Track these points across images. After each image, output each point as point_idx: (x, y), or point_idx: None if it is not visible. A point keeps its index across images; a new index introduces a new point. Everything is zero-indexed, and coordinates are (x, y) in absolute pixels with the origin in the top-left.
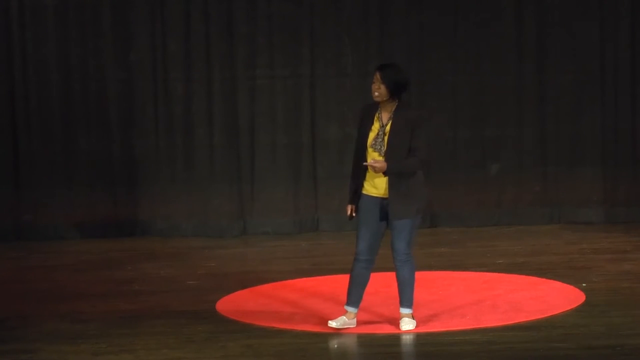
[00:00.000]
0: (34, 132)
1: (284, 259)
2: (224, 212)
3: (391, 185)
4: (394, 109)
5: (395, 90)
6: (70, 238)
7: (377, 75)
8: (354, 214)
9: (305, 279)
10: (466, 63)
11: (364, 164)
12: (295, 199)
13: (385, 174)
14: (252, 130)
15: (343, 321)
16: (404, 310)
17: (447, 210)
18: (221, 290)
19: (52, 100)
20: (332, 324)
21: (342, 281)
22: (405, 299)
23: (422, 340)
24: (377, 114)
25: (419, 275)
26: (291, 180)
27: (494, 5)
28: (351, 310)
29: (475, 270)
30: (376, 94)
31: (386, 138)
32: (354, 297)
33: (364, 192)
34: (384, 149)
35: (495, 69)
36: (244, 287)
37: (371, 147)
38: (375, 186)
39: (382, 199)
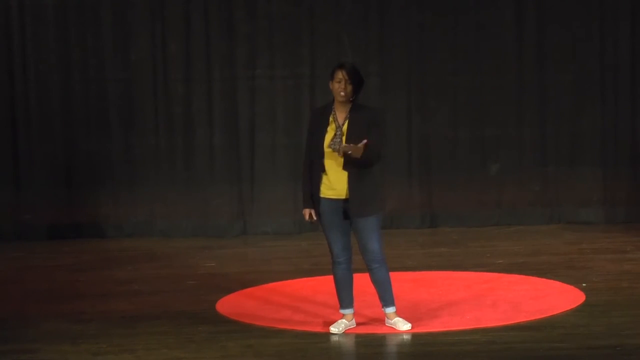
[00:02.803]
0: (34, 133)
1: (284, 259)
2: (224, 212)
3: (351, 185)
4: (349, 108)
5: (359, 90)
6: (70, 238)
7: (344, 74)
8: (314, 218)
9: (305, 279)
10: (466, 63)
11: (339, 147)
12: (295, 199)
13: (355, 159)
14: (252, 130)
15: (344, 325)
16: (391, 310)
17: (447, 210)
18: (221, 290)
19: (52, 100)
20: (334, 330)
21: None
22: (389, 298)
23: (422, 340)
24: (331, 115)
25: (419, 275)
26: (291, 180)
27: (494, 5)
28: (348, 312)
29: (475, 270)
30: (342, 94)
31: (344, 138)
32: (347, 299)
33: (321, 195)
34: (340, 149)
35: (495, 69)
36: (244, 287)
37: (329, 147)
38: (333, 187)
39: (342, 200)
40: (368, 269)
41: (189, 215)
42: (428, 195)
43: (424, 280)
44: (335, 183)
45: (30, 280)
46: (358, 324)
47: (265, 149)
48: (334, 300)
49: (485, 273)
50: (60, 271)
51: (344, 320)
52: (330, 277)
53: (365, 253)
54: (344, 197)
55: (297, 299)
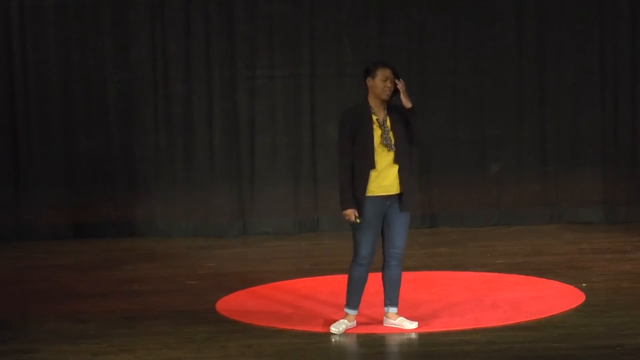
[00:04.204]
0: (34, 132)
1: (284, 259)
2: (224, 212)
3: (402, 178)
4: (385, 106)
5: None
6: (70, 238)
7: (390, 73)
8: (358, 218)
9: (305, 279)
10: (466, 63)
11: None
12: (295, 199)
13: (409, 109)
14: (252, 130)
15: (345, 325)
16: (394, 310)
17: (447, 210)
18: (221, 290)
19: (52, 101)
20: (334, 329)
21: (342, 281)
22: (395, 298)
23: (422, 340)
24: (371, 114)
25: (418, 275)
26: (291, 180)
27: (493, 5)
28: (353, 313)
29: (475, 270)
30: (389, 92)
31: (391, 133)
32: (357, 300)
33: (369, 194)
34: (392, 143)
35: (495, 69)
36: (244, 287)
37: (381, 145)
38: (383, 184)
39: (388, 197)
40: (386, 265)
41: (189, 215)
42: (428, 195)
43: (424, 280)
44: (385, 179)
45: (30, 280)
46: (358, 323)
47: (265, 149)
48: (334, 300)
49: (485, 273)
50: (60, 271)
51: (345, 320)
52: (331, 277)
53: (390, 248)
54: (393, 192)
55: (297, 299)
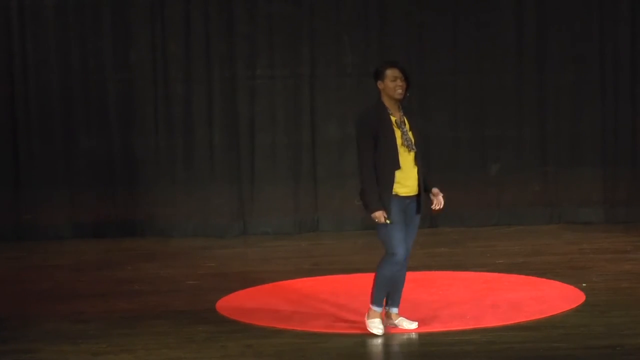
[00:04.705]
0: (34, 132)
1: (284, 259)
2: (224, 212)
3: (420, 181)
4: (400, 107)
5: (409, 88)
6: (70, 238)
7: (399, 73)
8: (389, 218)
9: (305, 279)
10: (466, 63)
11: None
12: (295, 199)
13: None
14: (252, 130)
15: (379, 321)
16: (396, 310)
17: (447, 210)
18: (221, 290)
19: (52, 100)
20: (376, 331)
21: (342, 281)
22: (397, 298)
23: (422, 340)
24: (389, 115)
25: (418, 275)
26: (291, 180)
27: (493, 5)
28: (394, 310)
29: (475, 270)
30: (400, 91)
31: (411, 134)
32: (398, 298)
33: (393, 193)
34: (413, 144)
35: (495, 69)
36: (244, 287)
37: (402, 146)
38: (406, 185)
39: (410, 197)
40: None
41: (189, 215)
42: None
43: (424, 280)
44: (407, 180)
45: (30, 280)
46: (359, 323)
47: (265, 149)
48: (334, 300)
49: (485, 273)
50: (60, 271)
51: (376, 318)
52: (331, 277)
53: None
54: (413, 193)
55: (297, 299)
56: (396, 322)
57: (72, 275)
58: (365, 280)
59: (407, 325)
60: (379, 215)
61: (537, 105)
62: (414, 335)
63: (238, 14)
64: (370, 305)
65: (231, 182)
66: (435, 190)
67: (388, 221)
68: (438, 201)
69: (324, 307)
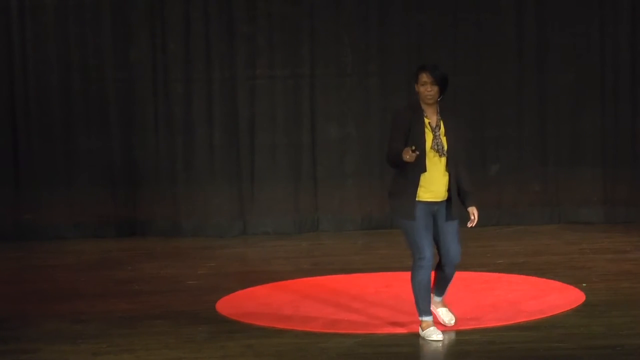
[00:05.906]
0: (34, 132)
1: (284, 259)
2: (224, 212)
3: (452, 187)
4: (438, 110)
5: (444, 91)
6: (70, 238)
7: (428, 77)
8: (413, 148)
9: (305, 279)
10: (466, 63)
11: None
12: (295, 199)
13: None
14: (252, 130)
15: (434, 328)
16: (438, 299)
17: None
18: (221, 290)
19: (52, 100)
20: (436, 337)
21: (342, 281)
22: (444, 289)
23: (422, 340)
24: (424, 117)
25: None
26: (291, 180)
27: (494, 5)
28: (437, 299)
29: (475, 270)
30: (430, 95)
31: (444, 139)
32: (429, 303)
33: (417, 199)
34: (445, 149)
35: (495, 69)
36: (244, 287)
37: (432, 149)
38: (431, 189)
39: (435, 203)
40: (442, 268)
41: (189, 215)
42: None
43: None
44: (433, 185)
45: (30, 280)
46: (359, 323)
47: (265, 149)
48: (334, 300)
49: (485, 273)
50: (60, 271)
51: (431, 327)
52: (331, 277)
53: (449, 254)
54: (440, 199)
55: (297, 299)
56: (436, 310)
57: (72, 275)
58: (365, 280)
59: (444, 317)
60: (405, 152)
61: (537, 105)
62: (413, 336)
63: (238, 14)
64: (420, 319)
65: (231, 182)
66: (470, 209)
67: (416, 152)
68: (471, 220)
69: (324, 307)
